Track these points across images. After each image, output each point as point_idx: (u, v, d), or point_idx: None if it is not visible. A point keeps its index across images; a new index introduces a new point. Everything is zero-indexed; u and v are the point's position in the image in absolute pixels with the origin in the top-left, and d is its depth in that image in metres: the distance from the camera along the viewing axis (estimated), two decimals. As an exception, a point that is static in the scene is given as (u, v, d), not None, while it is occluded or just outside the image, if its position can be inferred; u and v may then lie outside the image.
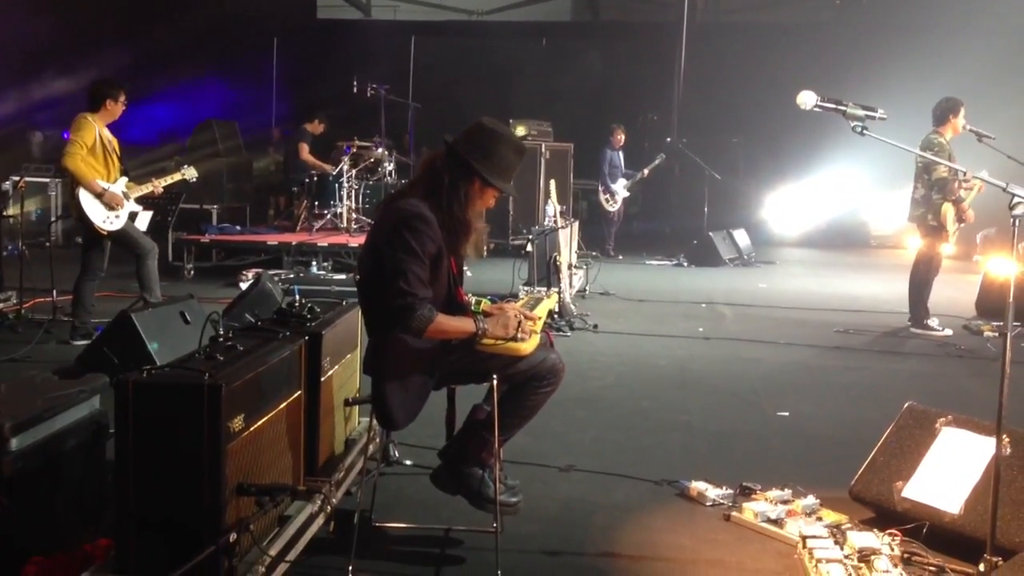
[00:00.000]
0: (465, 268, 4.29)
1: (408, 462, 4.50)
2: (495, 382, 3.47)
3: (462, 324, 3.37)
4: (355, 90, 12.24)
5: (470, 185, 3.45)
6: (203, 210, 12.41)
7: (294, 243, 10.74)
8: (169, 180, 7.55)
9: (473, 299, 3.75)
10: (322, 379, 3.70)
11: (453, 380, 3.61)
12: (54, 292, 7.81)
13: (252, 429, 2.99)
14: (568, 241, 9.10)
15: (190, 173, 7.74)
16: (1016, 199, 3.26)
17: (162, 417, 2.77)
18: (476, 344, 3.37)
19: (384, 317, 3.34)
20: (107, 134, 7.13)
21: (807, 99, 3.48)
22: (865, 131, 3.41)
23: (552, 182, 9.22)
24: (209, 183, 12.13)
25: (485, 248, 3.77)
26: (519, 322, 3.40)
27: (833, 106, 3.43)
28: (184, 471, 2.77)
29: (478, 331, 3.34)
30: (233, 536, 2.73)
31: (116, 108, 7.15)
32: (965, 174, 3.60)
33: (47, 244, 11.47)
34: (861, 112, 3.42)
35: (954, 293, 9.97)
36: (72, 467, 3.30)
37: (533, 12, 21.35)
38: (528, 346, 3.38)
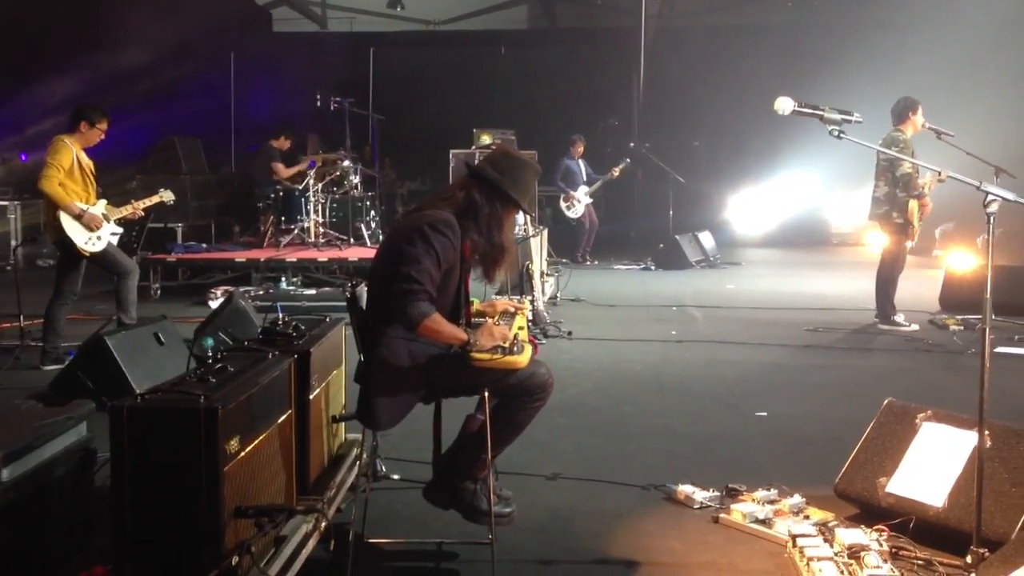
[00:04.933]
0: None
1: (395, 476, 4.50)
2: (486, 394, 3.50)
3: (455, 332, 3.41)
4: (319, 104, 12.18)
5: (505, 210, 3.60)
6: (167, 228, 12.29)
7: (262, 259, 10.65)
8: (148, 203, 7.49)
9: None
10: (311, 397, 3.70)
11: (444, 393, 3.64)
12: (21, 317, 7.69)
13: (247, 451, 2.98)
14: (539, 249, 9.13)
15: (167, 196, 7.70)
16: (990, 197, 3.33)
17: (158, 442, 2.75)
18: (468, 359, 3.38)
19: (387, 311, 3.38)
20: (84, 157, 7.05)
21: (784, 105, 3.52)
22: (842, 135, 3.47)
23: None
24: (173, 201, 11.99)
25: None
26: (515, 335, 3.45)
27: (811, 111, 3.48)
28: (182, 495, 2.75)
29: (469, 341, 3.37)
30: (235, 559, 2.71)
31: (92, 133, 7.02)
32: (940, 174, 3.67)
33: (7, 268, 11.33)
34: (838, 116, 3.47)
35: (917, 288, 10.12)
36: (62, 495, 3.27)
37: (490, 21, 21.37)
38: (523, 358, 3.40)
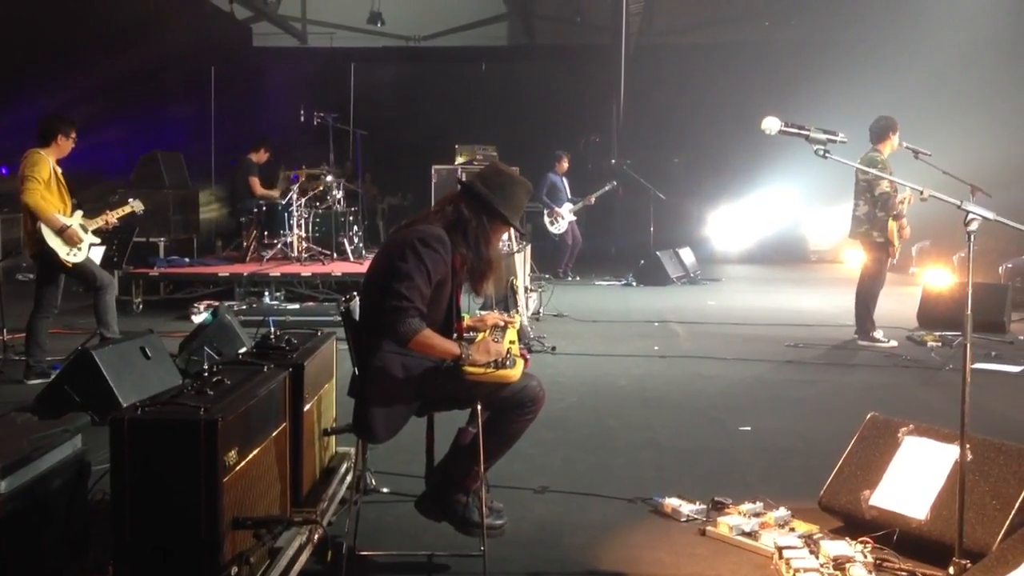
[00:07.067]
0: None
1: (385, 489, 4.52)
2: (479, 406, 3.54)
3: (448, 346, 3.45)
4: (302, 119, 12.21)
5: (493, 225, 3.65)
6: (150, 243, 12.26)
7: (245, 274, 10.65)
8: (120, 212, 7.48)
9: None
10: (304, 410, 3.73)
11: (437, 406, 3.68)
12: (4, 331, 7.67)
13: (245, 462, 3.01)
14: (523, 264, 9.20)
15: (137, 205, 7.71)
16: (971, 216, 3.42)
17: (158, 453, 2.79)
18: (462, 373, 3.43)
19: (380, 325, 3.42)
20: (58, 168, 7.07)
21: (771, 125, 3.60)
22: (828, 154, 3.56)
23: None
24: (156, 215, 11.98)
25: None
26: (507, 349, 3.50)
27: (796, 131, 3.56)
28: (181, 506, 2.78)
29: (462, 355, 3.42)
30: (234, 570, 2.74)
31: (67, 144, 7.07)
32: (923, 192, 3.76)
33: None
34: (823, 136, 3.56)
35: (895, 305, 10.23)
36: (58, 507, 3.28)
37: (470, 37, 21.53)
38: (516, 372, 3.45)
